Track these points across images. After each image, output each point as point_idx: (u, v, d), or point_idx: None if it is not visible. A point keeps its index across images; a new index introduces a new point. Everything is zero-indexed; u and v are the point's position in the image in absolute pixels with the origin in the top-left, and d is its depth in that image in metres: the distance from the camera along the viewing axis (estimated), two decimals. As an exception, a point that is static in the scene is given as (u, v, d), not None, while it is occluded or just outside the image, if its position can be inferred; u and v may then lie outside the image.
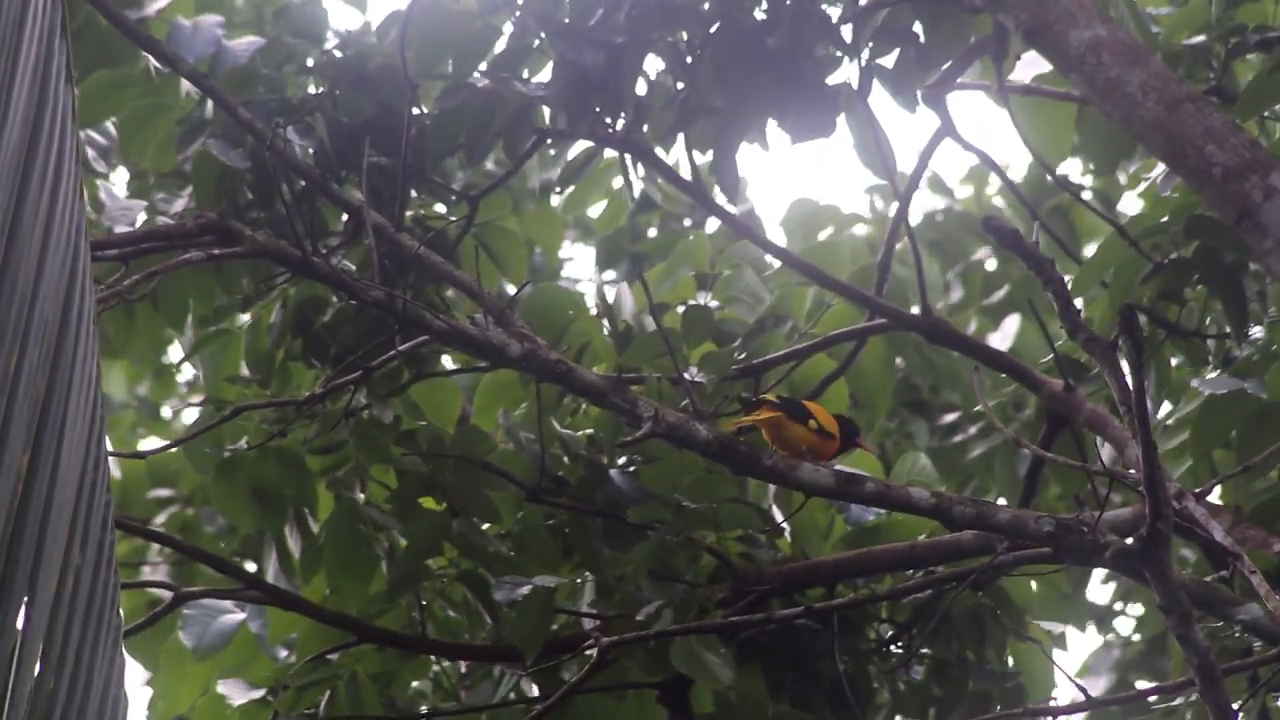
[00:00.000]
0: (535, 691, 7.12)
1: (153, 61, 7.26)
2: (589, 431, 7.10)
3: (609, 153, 7.25)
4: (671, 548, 6.77)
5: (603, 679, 6.91)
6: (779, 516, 7.00)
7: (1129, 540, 5.38)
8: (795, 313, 7.41)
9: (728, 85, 6.92)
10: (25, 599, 3.78)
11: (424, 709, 7.28)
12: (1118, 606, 11.33)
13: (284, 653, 7.54)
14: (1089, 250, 7.43)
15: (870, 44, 6.97)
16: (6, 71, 3.82)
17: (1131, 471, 6.01)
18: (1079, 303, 6.25)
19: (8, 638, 3.73)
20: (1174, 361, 7.21)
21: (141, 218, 7.20)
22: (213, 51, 7.10)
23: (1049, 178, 9.58)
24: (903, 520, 7.00)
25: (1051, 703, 6.63)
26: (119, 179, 7.91)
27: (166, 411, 12.69)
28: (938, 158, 7.21)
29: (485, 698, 7.26)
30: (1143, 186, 7.58)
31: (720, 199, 7.27)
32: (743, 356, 7.06)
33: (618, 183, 8.93)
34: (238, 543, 10.14)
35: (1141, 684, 11.14)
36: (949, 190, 12.02)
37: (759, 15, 6.95)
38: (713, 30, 6.91)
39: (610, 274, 12.50)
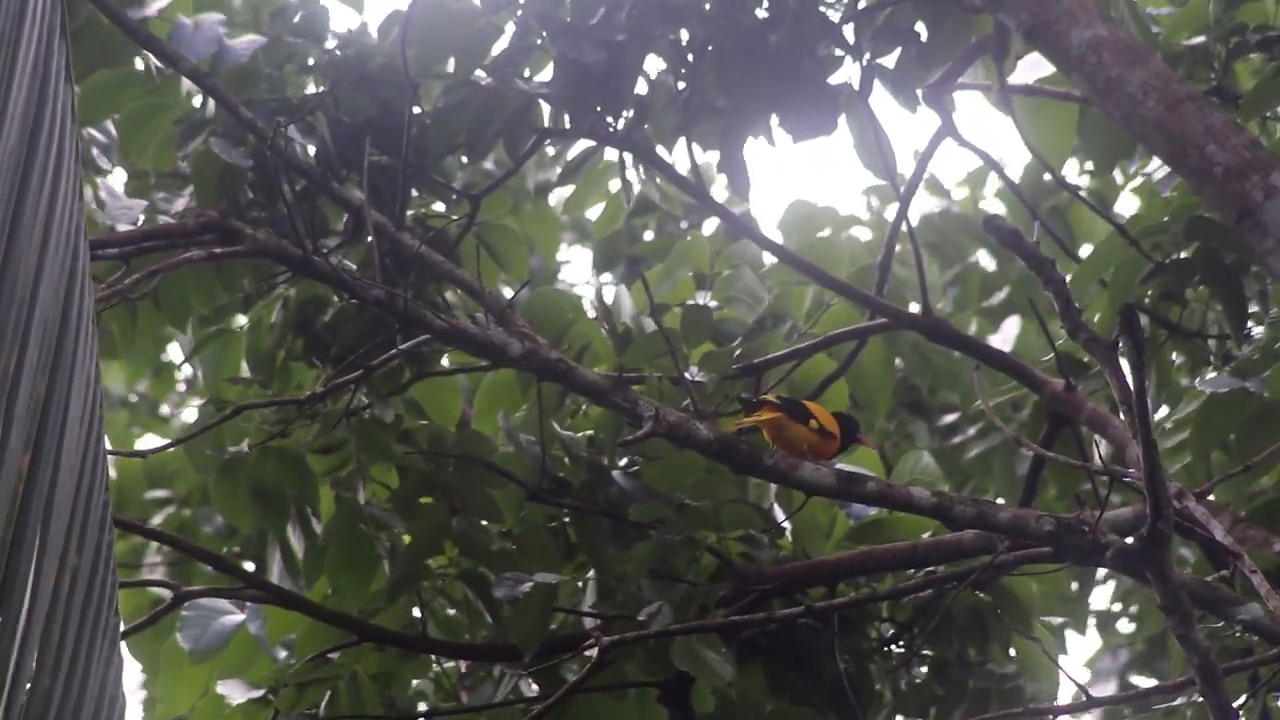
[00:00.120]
0: (534, 691, 7.12)
1: (153, 60, 7.26)
2: (589, 432, 7.10)
3: (608, 154, 7.25)
4: (672, 547, 6.77)
5: (603, 678, 6.91)
6: (780, 516, 7.01)
7: (1130, 540, 5.38)
8: (794, 312, 7.41)
9: (729, 84, 6.92)
10: (23, 598, 3.78)
11: (423, 708, 7.28)
12: (1116, 608, 11.32)
13: (283, 653, 7.54)
14: (1085, 252, 7.43)
15: (871, 43, 6.97)
16: (6, 71, 3.82)
17: (1132, 471, 6.01)
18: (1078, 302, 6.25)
19: (5, 638, 3.72)
20: (1173, 361, 7.21)
21: (142, 217, 7.19)
22: (214, 50, 7.09)
23: (1048, 178, 9.59)
24: (904, 519, 7.00)
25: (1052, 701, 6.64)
26: (120, 178, 7.90)
27: (165, 410, 12.68)
28: (935, 159, 7.20)
29: (486, 698, 7.26)
30: (1137, 182, 7.57)
31: (721, 198, 7.26)
32: (741, 355, 7.06)
33: (616, 185, 8.92)
34: (236, 544, 10.13)
35: (1143, 683, 11.15)
36: (946, 192, 12.02)
37: (760, 14, 6.95)
38: (714, 29, 6.91)
39: (607, 277, 12.50)
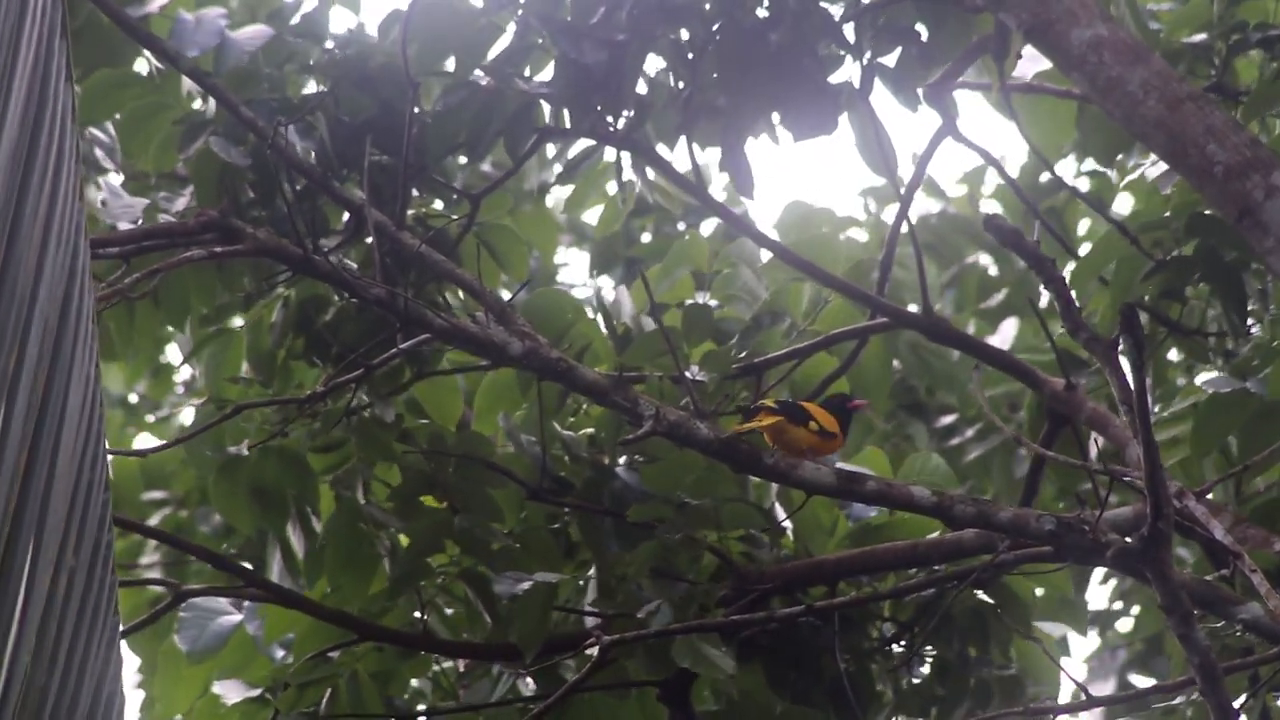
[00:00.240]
0: (532, 689, 7.11)
1: (154, 59, 7.25)
2: (589, 431, 7.10)
3: (608, 155, 7.25)
4: (673, 546, 6.77)
5: (604, 678, 6.90)
6: (781, 515, 7.00)
7: (1130, 539, 5.37)
8: (792, 309, 7.41)
9: (729, 83, 6.91)
10: (17, 597, 3.77)
11: (422, 707, 7.27)
12: (1117, 606, 11.32)
13: (280, 653, 7.53)
14: (1082, 252, 7.43)
15: (872, 42, 6.97)
16: (6, 71, 3.81)
17: (1132, 470, 6.01)
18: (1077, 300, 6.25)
19: (3, 637, 3.72)
20: (1171, 358, 7.21)
21: (140, 217, 7.19)
22: (217, 43, 7.08)
23: (1046, 178, 9.58)
24: (906, 519, 7.00)
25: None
26: (120, 178, 7.89)
27: (164, 411, 12.67)
28: (932, 159, 7.20)
29: (483, 696, 7.25)
30: (1133, 177, 7.58)
31: (721, 197, 7.26)
32: (742, 355, 7.06)
33: (614, 188, 8.92)
34: (233, 546, 10.12)
35: (1142, 682, 11.14)
36: (943, 193, 12.02)
37: (761, 13, 6.94)
38: (715, 28, 6.91)
39: (605, 279, 12.49)
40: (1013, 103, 7.28)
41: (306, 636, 7.21)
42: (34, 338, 3.82)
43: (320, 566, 7.22)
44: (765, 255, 7.74)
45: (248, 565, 7.60)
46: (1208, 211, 6.80)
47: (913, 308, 7.74)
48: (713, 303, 7.37)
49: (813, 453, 5.98)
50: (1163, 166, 7.00)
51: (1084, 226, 11.40)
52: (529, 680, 7.13)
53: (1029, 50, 6.87)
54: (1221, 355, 7.01)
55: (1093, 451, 6.88)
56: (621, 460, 6.98)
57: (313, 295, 7.24)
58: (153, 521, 11.04)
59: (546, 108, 7.06)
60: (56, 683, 3.91)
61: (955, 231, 11.79)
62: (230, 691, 7.18)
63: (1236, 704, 5.79)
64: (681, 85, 6.97)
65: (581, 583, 6.94)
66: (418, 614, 7.13)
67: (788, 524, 6.97)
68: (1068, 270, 6.81)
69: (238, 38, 7.10)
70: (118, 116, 7.40)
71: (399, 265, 6.82)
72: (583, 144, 7.30)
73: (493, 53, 7.03)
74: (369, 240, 6.92)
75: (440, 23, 7.01)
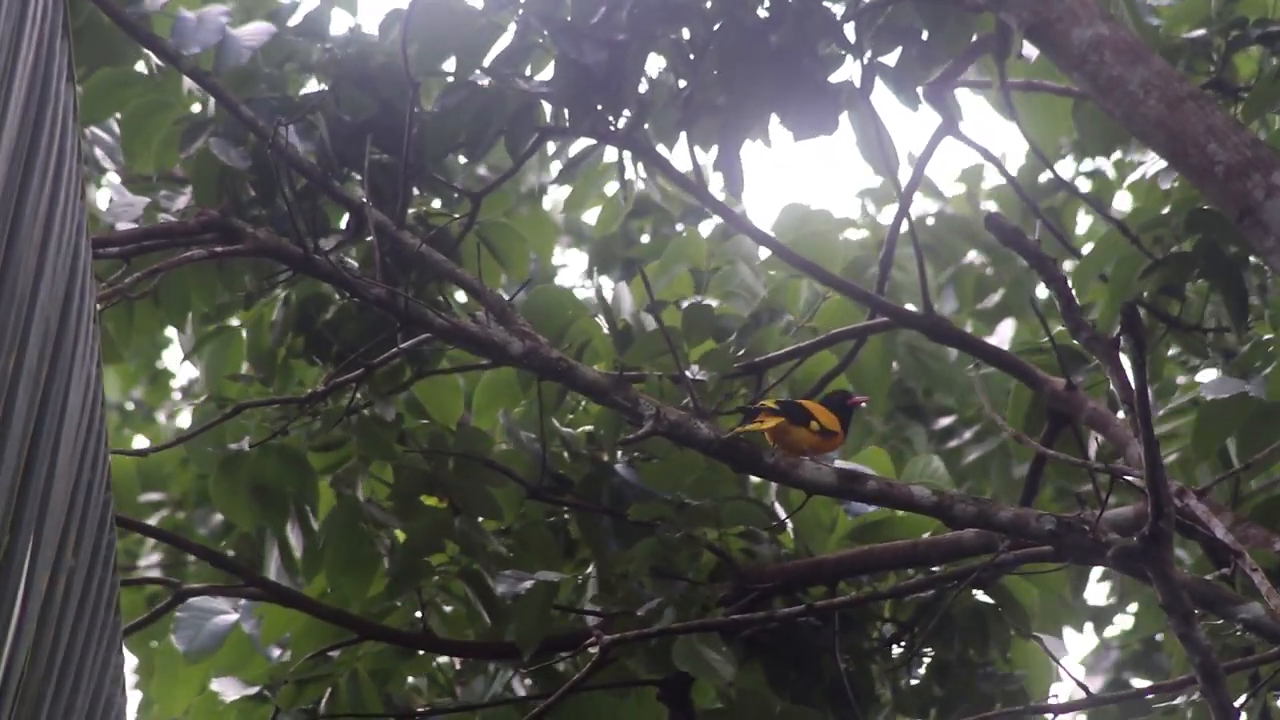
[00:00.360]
0: (528, 686, 7.11)
1: (154, 59, 7.25)
2: (588, 429, 7.10)
3: (607, 155, 7.24)
4: (673, 545, 6.77)
5: (604, 677, 6.90)
6: (782, 513, 7.00)
7: (1131, 539, 5.37)
8: (790, 306, 7.41)
9: (730, 83, 6.91)
10: (15, 597, 3.77)
11: (421, 708, 7.27)
12: (1113, 601, 11.33)
13: (277, 653, 7.53)
14: (1082, 251, 7.44)
15: (873, 42, 6.97)
16: (6, 71, 3.81)
17: (1133, 470, 6.01)
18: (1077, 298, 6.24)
19: (1, 637, 3.72)
20: (1168, 355, 7.21)
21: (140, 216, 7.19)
22: (218, 40, 7.07)
23: (1045, 178, 9.57)
24: (906, 518, 7.00)
25: (1052, 700, 6.63)
26: (118, 179, 7.89)
27: (160, 414, 12.67)
28: (930, 158, 7.20)
29: (478, 694, 7.26)
30: (1134, 177, 7.58)
31: (721, 197, 7.26)
32: (741, 352, 7.06)
33: (613, 188, 8.91)
34: (230, 547, 10.13)
35: (1139, 682, 11.14)
36: (940, 194, 12.03)
37: (761, 13, 6.94)
38: (715, 28, 6.90)
39: (604, 279, 12.49)
40: (1012, 100, 7.28)
41: (304, 635, 7.21)
42: (34, 338, 3.82)
43: (318, 564, 7.22)
44: (764, 253, 7.75)
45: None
46: (1208, 207, 6.80)
47: (911, 307, 7.74)
48: (711, 300, 7.37)
49: (814, 452, 5.98)
50: (1162, 163, 7.01)
51: (1084, 226, 11.41)
52: (526, 678, 7.13)
53: (1025, 47, 6.87)
54: (1220, 353, 7.01)
55: (1092, 450, 6.88)
56: (621, 459, 6.98)
57: (313, 294, 7.24)
58: (150, 522, 11.04)
59: (547, 107, 7.06)
60: (54, 683, 3.90)
61: (952, 232, 11.79)
62: (228, 689, 7.18)
63: (1237, 704, 5.78)
64: (682, 84, 6.97)
65: (581, 581, 6.94)
66: (418, 614, 7.13)
67: (788, 522, 6.97)
68: (1067, 269, 6.81)
69: (239, 35, 7.10)
70: (119, 116, 7.40)
71: (399, 264, 6.82)
72: (582, 143, 7.30)
73: (493, 53, 7.02)
74: (369, 240, 6.92)
75: (440, 22, 7.00)
